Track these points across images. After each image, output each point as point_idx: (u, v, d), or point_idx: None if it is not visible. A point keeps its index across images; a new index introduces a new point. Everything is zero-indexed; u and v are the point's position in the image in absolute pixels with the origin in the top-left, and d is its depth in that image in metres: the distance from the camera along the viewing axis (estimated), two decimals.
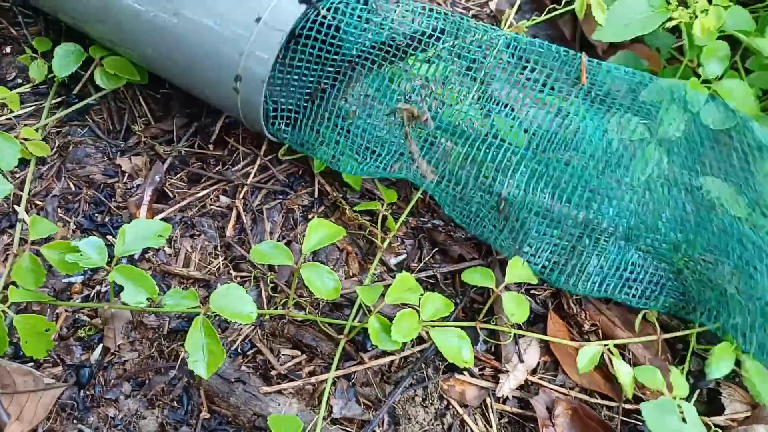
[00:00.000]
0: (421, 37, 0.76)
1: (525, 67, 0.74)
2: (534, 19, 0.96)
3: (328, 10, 0.76)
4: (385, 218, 0.85)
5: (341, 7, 0.77)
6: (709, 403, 0.79)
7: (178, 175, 0.91)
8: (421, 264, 0.86)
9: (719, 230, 0.71)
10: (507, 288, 0.78)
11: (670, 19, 0.90)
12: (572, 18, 1.03)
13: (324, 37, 0.77)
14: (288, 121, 0.84)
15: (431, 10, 0.76)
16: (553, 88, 0.74)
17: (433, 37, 0.76)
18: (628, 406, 0.77)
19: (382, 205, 0.85)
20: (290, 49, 0.78)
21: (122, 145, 0.93)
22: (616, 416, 0.76)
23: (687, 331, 0.80)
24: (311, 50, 0.78)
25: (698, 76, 0.89)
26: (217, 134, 0.93)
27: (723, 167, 0.70)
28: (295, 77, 0.82)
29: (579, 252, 0.78)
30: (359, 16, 0.77)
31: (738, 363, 0.75)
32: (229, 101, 0.81)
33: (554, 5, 0.94)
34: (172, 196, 0.89)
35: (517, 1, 1.00)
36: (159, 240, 0.76)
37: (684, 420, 0.66)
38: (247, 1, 0.77)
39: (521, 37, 0.74)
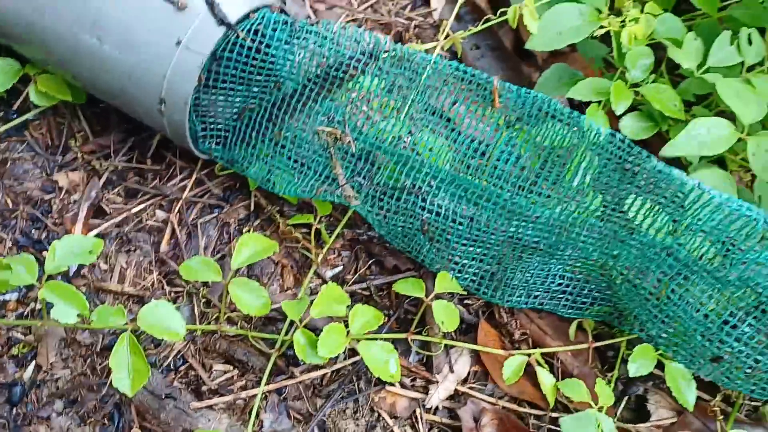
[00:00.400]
0: (349, 62, 0.76)
1: (443, 92, 0.75)
2: (471, 30, 0.96)
3: (249, 32, 0.77)
4: (318, 231, 0.85)
5: (262, 29, 0.77)
6: (637, 410, 0.80)
7: (116, 190, 0.91)
8: (356, 276, 0.86)
9: (642, 246, 0.72)
10: (437, 297, 0.79)
11: (601, 27, 0.91)
12: (511, 27, 1.03)
13: (246, 59, 0.77)
14: (218, 140, 0.85)
15: (357, 37, 0.76)
16: (470, 111, 0.75)
17: (361, 62, 0.76)
18: (555, 415, 0.77)
19: (316, 218, 0.85)
20: (213, 71, 0.79)
21: (60, 161, 0.93)
22: (544, 425, 0.77)
23: (618, 339, 0.81)
24: (234, 71, 0.78)
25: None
26: (154, 148, 0.93)
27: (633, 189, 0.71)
28: (221, 97, 0.82)
29: (503, 267, 0.79)
30: (279, 39, 0.77)
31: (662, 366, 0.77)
32: (156, 122, 0.81)
33: (489, 16, 0.95)
34: (108, 211, 0.89)
35: (455, 10, 1.01)
36: (90, 257, 0.76)
37: (602, 430, 0.67)
38: (167, 24, 0.77)
39: (445, 62, 0.74)
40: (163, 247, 0.87)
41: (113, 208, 0.89)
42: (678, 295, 0.72)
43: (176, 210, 0.89)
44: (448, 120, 0.76)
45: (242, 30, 0.77)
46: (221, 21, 0.77)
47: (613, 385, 0.78)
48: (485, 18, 0.95)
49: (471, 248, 0.80)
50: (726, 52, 0.88)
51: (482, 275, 0.81)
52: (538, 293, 0.81)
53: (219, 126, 0.85)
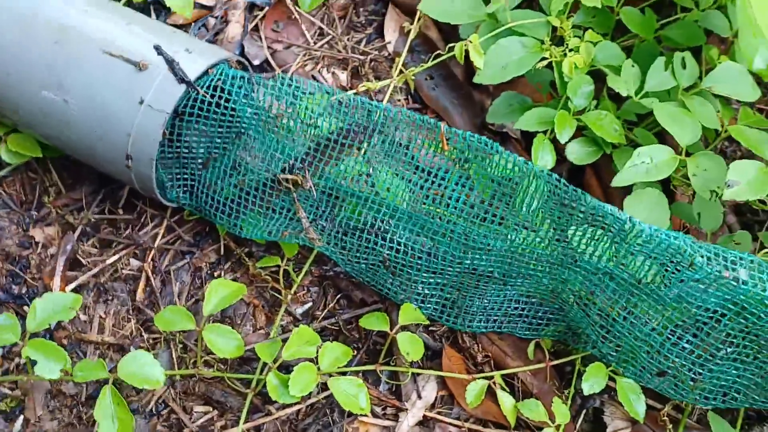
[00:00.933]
0: (305, 111, 0.80)
1: (396, 136, 0.79)
2: (422, 65, 1.01)
3: (209, 87, 0.81)
4: (286, 272, 0.89)
5: (221, 85, 0.81)
6: (594, 422, 0.86)
7: (90, 242, 0.95)
8: (326, 311, 0.91)
9: (587, 272, 0.77)
10: (402, 328, 0.83)
11: (544, 58, 0.96)
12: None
13: (207, 114, 0.81)
14: (185, 189, 0.89)
15: (311, 89, 0.80)
16: (422, 153, 0.79)
17: (316, 112, 0.80)
18: None
19: (283, 259, 0.89)
20: (177, 126, 0.83)
21: (35, 216, 0.97)
22: None
23: (573, 356, 0.86)
24: (196, 126, 0.82)
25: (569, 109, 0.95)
26: (125, 198, 0.97)
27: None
28: (186, 149, 0.86)
29: (462, 295, 0.84)
30: (238, 93, 0.81)
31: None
32: (125, 176, 0.85)
33: (439, 51, 0.99)
34: (85, 263, 0.93)
35: (407, 44, 1.05)
36: (70, 312, 0.80)
37: None
38: (129, 84, 0.80)
39: (395, 109, 0.78)
40: (139, 295, 0.90)
41: (89, 260, 0.93)
42: (622, 316, 0.77)
43: (149, 258, 0.93)
44: (403, 161, 0.80)
45: (202, 86, 0.81)
46: (181, 79, 0.81)
47: (570, 400, 0.83)
48: (436, 53, 1.00)
49: (431, 279, 0.85)
50: (662, 77, 0.94)
51: (443, 303, 0.86)
52: (497, 317, 0.86)
53: (185, 175, 0.89)
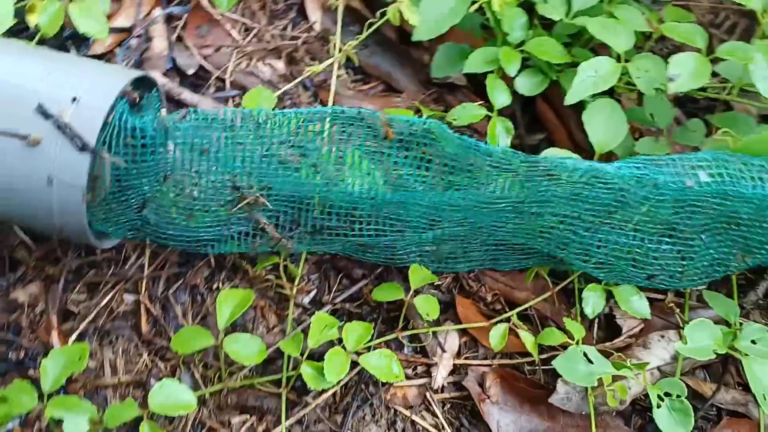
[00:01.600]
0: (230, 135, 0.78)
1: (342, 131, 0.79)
2: (359, 37, 1.01)
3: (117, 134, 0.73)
4: (285, 267, 0.90)
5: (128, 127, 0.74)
6: (608, 328, 0.90)
7: (77, 289, 0.92)
8: (333, 294, 0.92)
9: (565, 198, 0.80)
10: (416, 293, 0.86)
11: (474, 2, 0.98)
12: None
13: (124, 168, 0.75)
14: (133, 232, 0.84)
15: (226, 116, 0.77)
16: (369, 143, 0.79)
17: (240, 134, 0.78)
18: (544, 356, 0.86)
19: (280, 256, 0.90)
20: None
21: (13, 278, 0.93)
22: (537, 368, 0.86)
23: (571, 277, 0.90)
24: (118, 180, 0.76)
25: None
26: None
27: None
28: (116, 203, 0.79)
29: (447, 249, 0.86)
30: (153, 138, 0.75)
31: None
32: (72, 239, 0.82)
33: (372, 19, 1.00)
34: (77, 311, 0.91)
35: (339, 21, 1.05)
36: (80, 364, 0.79)
37: (590, 361, 0.76)
38: (31, 165, 0.72)
39: (334, 109, 0.78)
40: (144, 327, 0.89)
41: (81, 307, 0.91)
42: (605, 234, 0.81)
43: (143, 289, 0.91)
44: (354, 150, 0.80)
45: (105, 152, 0.73)
46: (81, 147, 0.71)
47: (579, 316, 0.88)
48: (369, 22, 1.01)
49: (415, 248, 0.86)
50: None
51: (433, 258, 0.88)
52: (486, 258, 0.89)
53: (130, 220, 0.83)
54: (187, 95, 1.06)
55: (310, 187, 0.81)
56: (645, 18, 0.98)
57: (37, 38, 0.93)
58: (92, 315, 0.90)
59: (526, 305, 0.88)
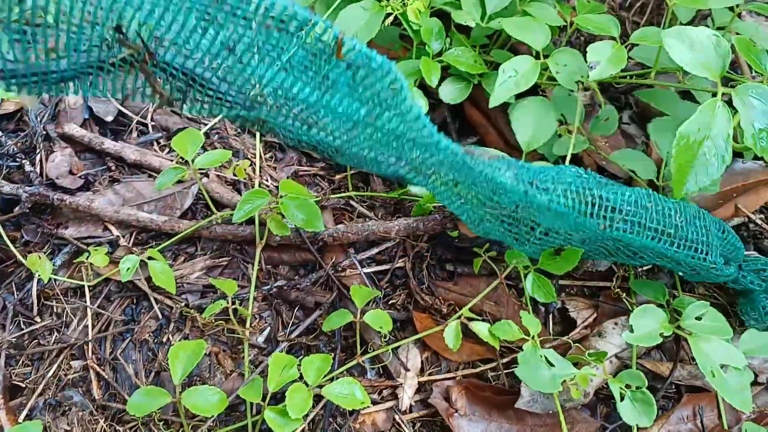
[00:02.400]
0: None
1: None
2: None
3: None
4: (235, 310, 0.88)
5: None
6: (563, 321, 0.92)
7: (20, 362, 0.88)
8: (288, 329, 0.90)
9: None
10: (362, 312, 0.85)
11: (388, 14, 0.98)
12: None
13: None
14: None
15: None
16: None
17: None
18: (504, 360, 0.87)
19: (226, 299, 0.87)
20: None
21: None
22: (501, 372, 0.87)
23: (513, 263, 0.90)
24: None
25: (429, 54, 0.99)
26: (36, 303, 0.91)
27: None
28: None
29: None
30: None
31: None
32: None
33: None
34: (24, 386, 0.87)
35: None
36: None
37: (551, 363, 0.77)
38: None
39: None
40: (96, 393, 0.86)
41: (27, 382, 0.87)
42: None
43: (90, 353, 0.88)
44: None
45: None
46: None
47: (530, 306, 0.88)
48: None
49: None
50: None
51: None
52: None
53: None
54: (109, 144, 1.02)
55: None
56: (558, 12, 1.00)
57: None
58: (40, 387, 0.86)
59: (475, 300, 0.88)
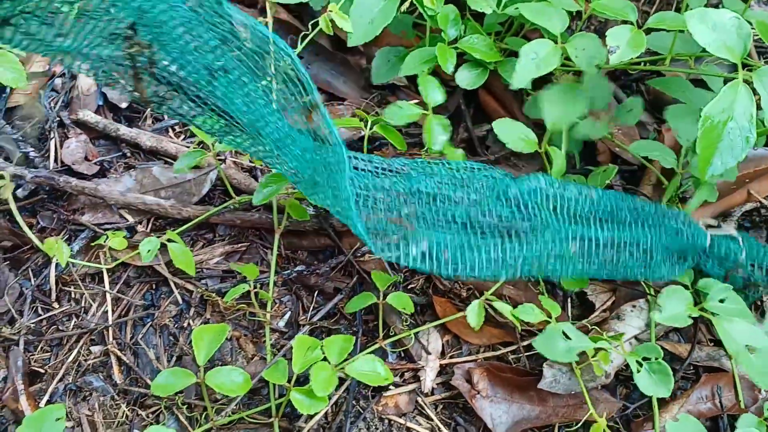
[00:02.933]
0: None
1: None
2: (296, 49, 1.00)
3: None
4: (256, 294, 0.88)
5: None
6: (582, 305, 0.92)
7: (39, 348, 0.88)
8: (309, 313, 0.90)
9: None
10: (385, 295, 0.85)
11: (403, 1, 0.98)
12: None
13: None
14: None
15: None
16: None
17: None
18: (525, 343, 0.88)
19: (247, 282, 0.87)
20: None
21: None
22: (521, 355, 0.87)
23: None
24: None
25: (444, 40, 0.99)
26: (54, 289, 0.90)
27: None
28: None
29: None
30: None
31: None
32: None
33: (305, 32, 0.99)
34: (44, 371, 0.86)
35: (269, 27, 1.03)
36: (59, 425, 0.75)
37: (568, 337, 0.78)
38: None
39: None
40: (117, 377, 0.86)
41: (47, 367, 0.86)
42: None
43: (110, 338, 0.88)
44: None
45: None
46: None
47: (544, 290, 0.89)
48: (302, 35, 0.99)
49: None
50: None
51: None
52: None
53: None
54: (125, 130, 1.02)
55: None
56: None
57: None
58: (60, 373, 0.86)
59: (497, 285, 0.88)
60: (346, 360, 0.78)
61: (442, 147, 0.95)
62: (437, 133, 0.96)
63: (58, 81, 1.07)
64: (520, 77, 0.90)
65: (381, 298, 0.85)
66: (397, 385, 0.85)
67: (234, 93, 0.75)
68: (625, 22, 0.92)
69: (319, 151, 0.72)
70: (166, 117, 1.06)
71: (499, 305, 0.84)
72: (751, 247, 0.86)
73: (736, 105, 0.75)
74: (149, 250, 0.86)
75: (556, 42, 0.93)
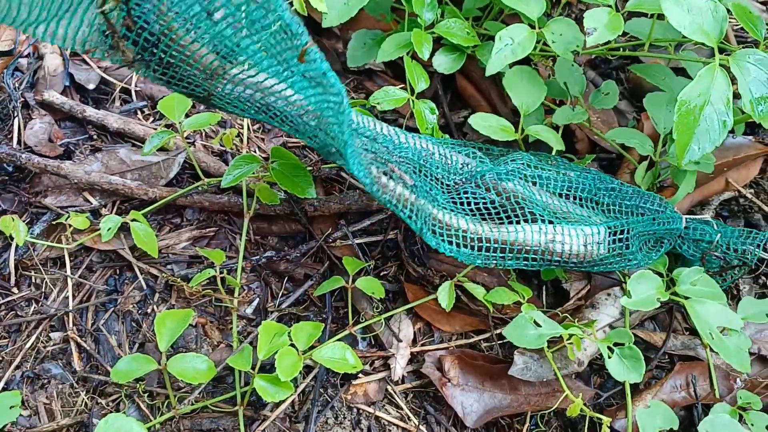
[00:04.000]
0: None
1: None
2: None
3: None
4: (223, 279, 0.85)
5: None
6: (557, 293, 0.91)
7: None
8: (278, 300, 0.88)
9: None
10: (353, 279, 0.83)
11: None
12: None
13: None
14: None
15: None
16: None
17: None
18: (498, 331, 0.86)
19: (214, 267, 0.85)
20: None
21: None
22: (494, 343, 0.86)
23: None
24: None
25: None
26: (14, 273, 0.87)
27: None
28: None
29: None
30: None
31: None
32: None
33: None
34: (1, 358, 0.83)
35: None
36: (13, 413, 0.73)
37: (539, 324, 0.76)
38: None
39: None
40: (77, 364, 0.83)
41: (4, 353, 0.83)
42: None
43: (70, 324, 0.85)
44: None
45: None
46: None
47: (516, 279, 0.88)
48: None
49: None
50: None
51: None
52: None
53: None
54: (91, 112, 0.99)
55: None
56: None
57: None
58: (17, 359, 0.83)
59: (468, 268, 0.87)
60: (314, 347, 0.76)
61: (432, 130, 0.93)
62: (426, 116, 0.94)
63: (23, 61, 1.04)
64: (494, 63, 0.89)
65: (351, 283, 0.83)
66: (366, 373, 0.83)
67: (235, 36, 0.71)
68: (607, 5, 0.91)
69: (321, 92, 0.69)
70: (134, 98, 1.03)
71: (471, 286, 0.83)
72: (725, 232, 0.85)
73: (713, 89, 0.74)
74: (110, 228, 0.83)
75: (533, 27, 0.91)
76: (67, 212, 0.91)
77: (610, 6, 0.89)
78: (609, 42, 0.91)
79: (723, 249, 0.84)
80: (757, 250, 0.84)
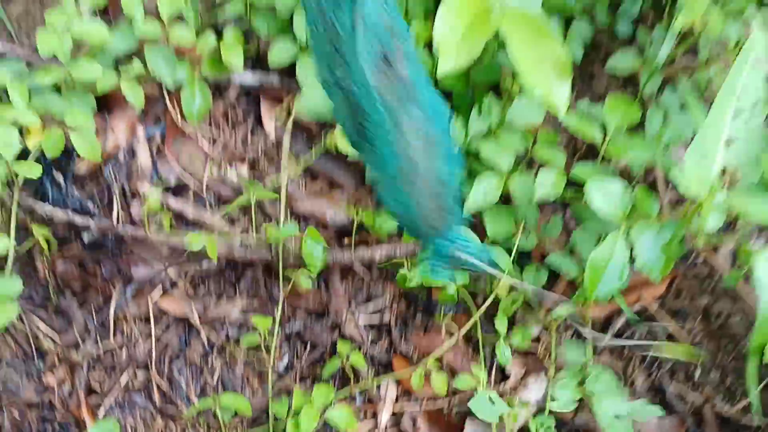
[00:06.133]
0: None
1: None
2: (307, 157, 1.30)
3: None
4: (267, 347, 1.19)
5: None
6: (501, 372, 1.25)
7: (97, 370, 1.18)
8: (303, 361, 1.21)
9: None
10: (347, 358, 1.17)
11: None
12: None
13: None
14: None
15: None
16: None
17: None
18: (458, 396, 1.20)
19: (261, 336, 1.18)
20: None
21: (41, 365, 1.18)
22: (455, 407, 1.20)
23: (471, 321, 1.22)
24: None
25: None
26: (113, 319, 1.20)
27: None
28: None
29: None
30: None
31: None
32: None
33: (317, 142, 1.29)
34: (99, 389, 1.16)
35: (287, 135, 1.34)
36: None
37: (492, 401, 1.10)
38: None
39: None
40: (156, 398, 1.16)
41: (103, 386, 1.16)
42: None
43: (152, 368, 1.18)
44: None
45: None
46: None
47: (482, 351, 1.21)
48: (315, 146, 1.30)
49: None
50: (478, 122, 1.30)
51: None
52: None
53: None
54: (172, 201, 1.32)
55: None
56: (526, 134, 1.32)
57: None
58: (113, 391, 1.16)
59: (436, 354, 1.20)
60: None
61: None
62: None
63: (121, 156, 1.36)
64: (470, 204, 1.22)
65: (346, 359, 1.16)
66: (359, 419, 1.17)
67: None
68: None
69: None
70: (204, 194, 1.36)
71: (435, 376, 1.16)
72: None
73: (615, 253, 1.08)
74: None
75: (501, 177, 1.24)
76: (151, 283, 1.24)
77: (558, 167, 1.23)
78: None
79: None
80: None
